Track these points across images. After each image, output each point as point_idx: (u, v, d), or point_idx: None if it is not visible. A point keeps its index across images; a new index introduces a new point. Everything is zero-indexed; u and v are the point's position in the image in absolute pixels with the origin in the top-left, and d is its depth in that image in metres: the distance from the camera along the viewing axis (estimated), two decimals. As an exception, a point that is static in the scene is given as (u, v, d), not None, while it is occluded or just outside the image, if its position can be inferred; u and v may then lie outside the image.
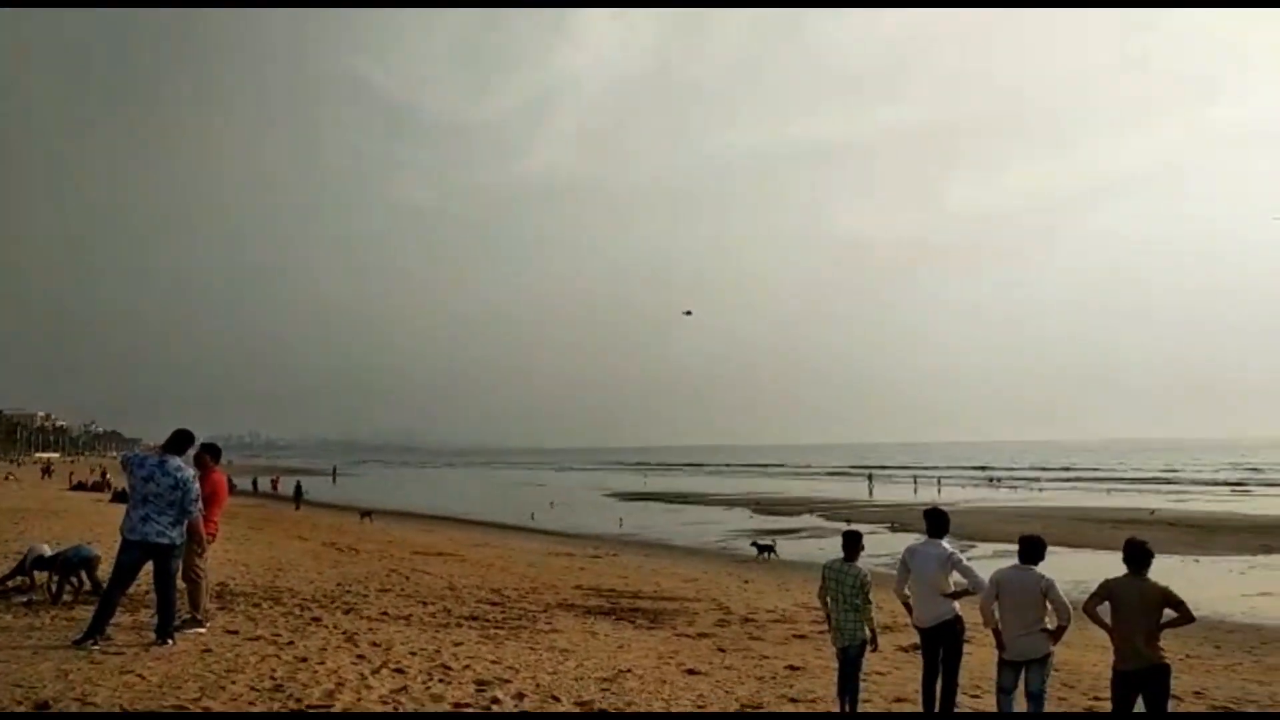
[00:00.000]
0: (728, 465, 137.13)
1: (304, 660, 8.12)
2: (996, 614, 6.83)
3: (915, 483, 73.78)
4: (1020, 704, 6.91)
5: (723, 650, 10.83)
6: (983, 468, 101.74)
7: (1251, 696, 9.64)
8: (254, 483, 67.91)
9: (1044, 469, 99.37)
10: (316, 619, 10.59)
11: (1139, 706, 6.37)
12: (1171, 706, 9.04)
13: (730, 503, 53.25)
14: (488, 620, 11.90)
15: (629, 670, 8.94)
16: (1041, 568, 6.95)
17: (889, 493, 61.31)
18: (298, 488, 48.67)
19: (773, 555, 25.59)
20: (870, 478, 76.84)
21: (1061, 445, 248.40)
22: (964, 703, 8.12)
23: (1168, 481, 72.38)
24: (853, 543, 7.62)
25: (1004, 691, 6.86)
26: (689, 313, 44.95)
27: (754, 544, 26.59)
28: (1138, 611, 6.30)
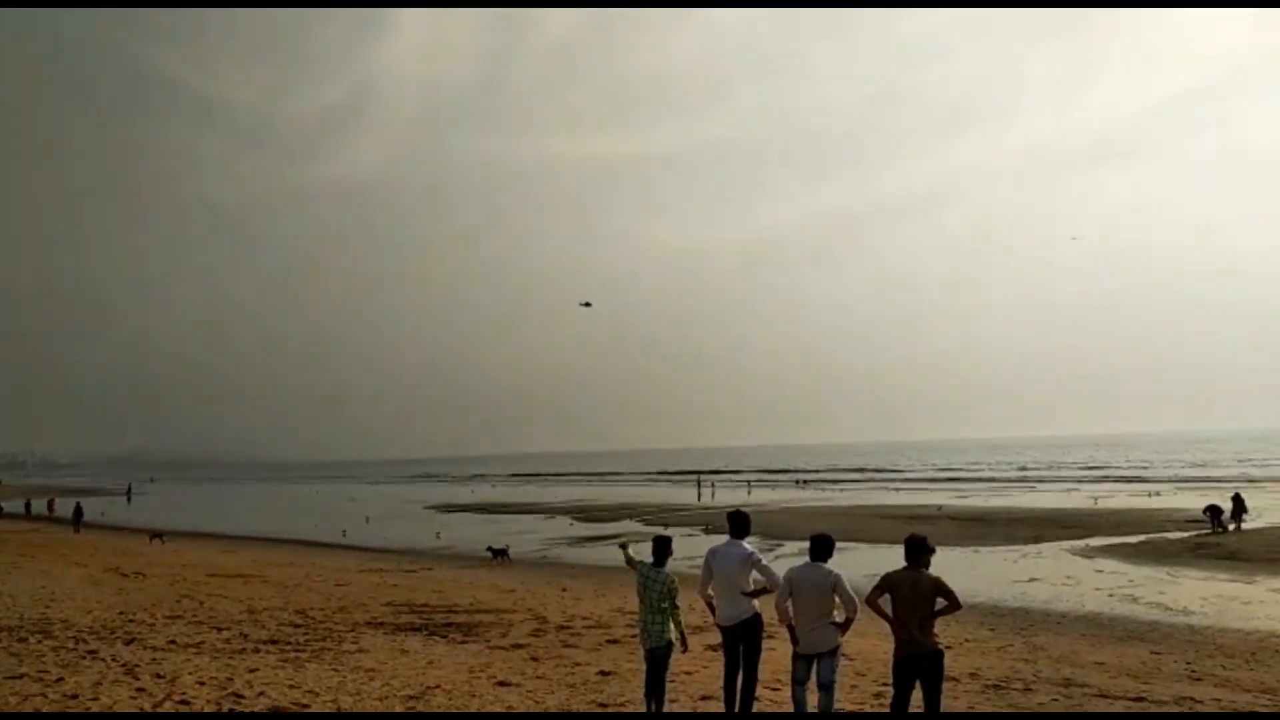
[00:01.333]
0: (554, 474, 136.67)
1: (74, 698, 7.46)
2: (790, 610, 7.18)
3: (749, 486, 76.36)
4: (814, 694, 7.28)
5: (536, 660, 10.80)
6: (791, 471, 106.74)
7: (1019, 674, 10.59)
8: (26, 505, 61.55)
9: (845, 470, 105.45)
10: (92, 652, 9.75)
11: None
12: (949, 686, 9.79)
13: (552, 511, 53.18)
14: (289, 643, 11.33)
15: (437, 686, 8.76)
16: (835, 563, 7.36)
17: (719, 496, 62.94)
18: (77, 509, 44.57)
19: (506, 559, 26.80)
20: (699, 482, 78.80)
21: (858, 447, 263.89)
22: (764, 695, 8.48)
23: (953, 479, 78.57)
24: (662, 548, 7.81)
25: (798, 683, 7.22)
26: (587, 304, 42.73)
27: (489, 549, 27.43)
28: (913, 601, 6.81)
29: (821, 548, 7.26)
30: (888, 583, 6.96)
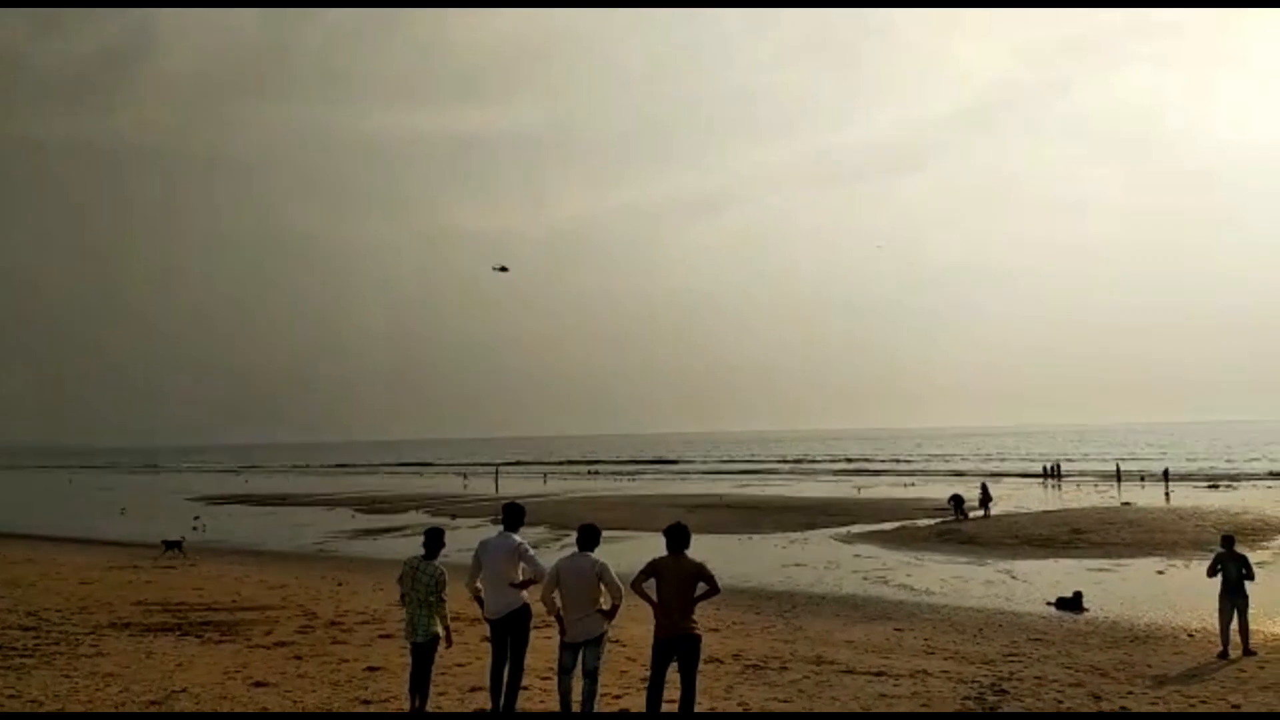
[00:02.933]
0: (341, 465, 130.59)
1: None
2: (558, 601, 7.25)
3: (545, 477, 76.06)
4: (580, 681, 7.39)
5: (300, 658, 10.32)
6: (587, 461, 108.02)
7: (777, 654, 11.26)
8: None
9: (639, 461, 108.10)
10: None
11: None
12: (713, 668, 10.27)
13: (333, 503, 50.99)
14: (14, 648, 10.24)
15: (184, 690, 8.20)
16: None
17: (515, 487, 62.29)
18: None
19: (179, 551, 25.54)
20: (496, 473, 77.89)
21: (659, 438, 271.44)
22: (534, 685, 8.55)
23: (738, 470, 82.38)
24: (433, 541, 7.68)
25: (564, 671, 7.29)
26: (503, 268, 39.02)
27: (163, 541, 26.22)
28: (675, 586, 7.08)
29: (587, 537, 7.38)
30: (652, 568, 7.19)
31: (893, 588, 18.66)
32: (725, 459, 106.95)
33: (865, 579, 19.82)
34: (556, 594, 7.23)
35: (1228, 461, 73.80)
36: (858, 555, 23.82)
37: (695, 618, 7.20)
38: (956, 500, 32.85)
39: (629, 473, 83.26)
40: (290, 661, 10.04)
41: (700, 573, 7.14)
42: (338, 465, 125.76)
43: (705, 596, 7.20)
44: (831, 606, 16.30)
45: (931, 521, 31.43)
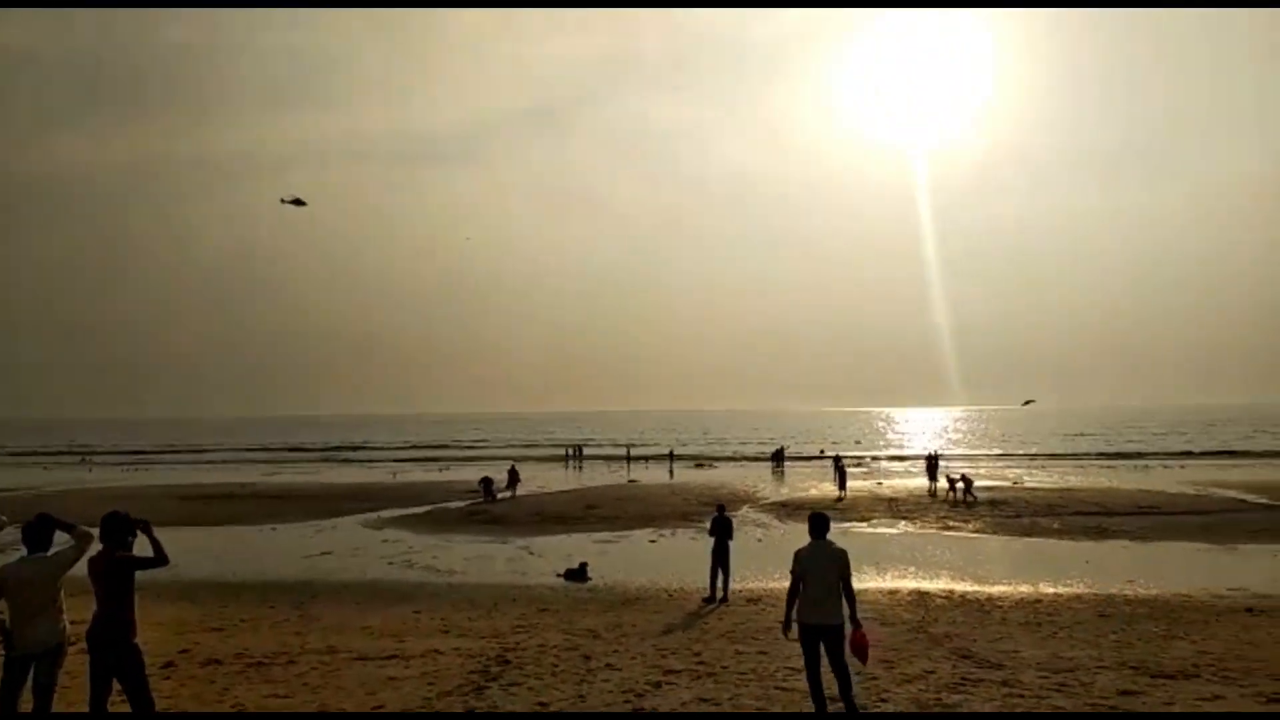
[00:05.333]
0: None
1: None
2: (4, 612, 6.12)
3: None
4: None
5: None
6: (82, 452, 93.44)
7: (286, 648, 10.77)
8: None
9: (152, 451, 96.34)
10: None
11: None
12: (211, 669, 9.54)
13: None
14: None
15: None
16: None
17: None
18: None
19: None
20: None
21: (151, 422, 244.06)
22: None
23: (274, 460, 77.25)
24: None
25: (10, 689, 6.15)
26: (299, 201, 27.62)
27: None
28: (106, 580, 6.26)
29: (37, 536, 6.32)
30: (89, 566, 6.32)
31: (418, 570, 18.87)
32: (257, 445, 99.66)
33: (391, 563, 19.79)
34: (2, 603, 6.11)
35: (721, 444, 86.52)
36: (386, 540, 23.69)
37: (133, 620, 6.34)
38: (486, 482, 34.27)
39: (134, 462, 73.52)
40: None
41: (132, 561, 6.39)
42: None
43: (150, 565, 6.42)
44: (353, 594, 15.98)
45: (462, 504, 32.40)
